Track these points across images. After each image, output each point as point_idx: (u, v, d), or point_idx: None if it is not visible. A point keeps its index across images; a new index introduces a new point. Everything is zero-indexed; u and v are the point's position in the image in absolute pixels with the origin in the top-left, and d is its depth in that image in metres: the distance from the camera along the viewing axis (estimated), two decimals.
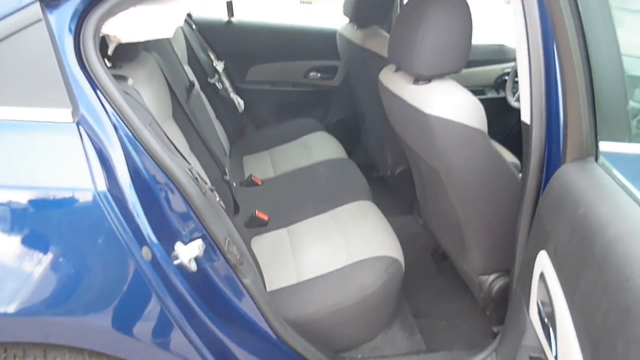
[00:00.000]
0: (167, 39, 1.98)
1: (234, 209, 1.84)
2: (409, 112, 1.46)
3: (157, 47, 1.77)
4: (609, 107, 1.03)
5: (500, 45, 2.84)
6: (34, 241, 0.95)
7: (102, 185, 0.95)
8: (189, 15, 2.64)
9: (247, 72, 2.88)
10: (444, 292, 2.04)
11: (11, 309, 0.95)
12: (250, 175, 2.22)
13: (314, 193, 2.02)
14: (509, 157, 2.08)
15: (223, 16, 2.81)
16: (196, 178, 1.14)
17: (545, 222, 1.01)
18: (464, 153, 1.38)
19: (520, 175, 1.45)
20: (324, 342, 1.45)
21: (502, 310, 1.59)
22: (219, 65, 2.57)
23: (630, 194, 0.83)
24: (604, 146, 1.01)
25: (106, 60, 1.27)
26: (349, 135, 2.80)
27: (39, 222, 0.95)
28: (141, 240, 1.00)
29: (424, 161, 1.61)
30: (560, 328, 0.87)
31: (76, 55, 0.98)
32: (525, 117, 1.25)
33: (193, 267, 1.06)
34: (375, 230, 1.73)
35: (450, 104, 1.35)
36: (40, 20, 0.94)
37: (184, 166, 1.13)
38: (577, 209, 0.87)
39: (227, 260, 1.17)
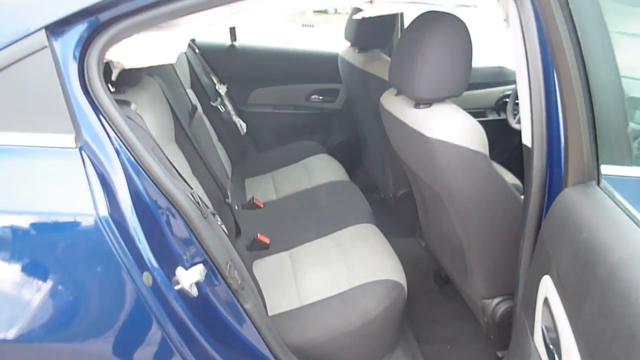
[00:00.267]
0: (171, 64, 2.01)
1: (235, 232, 1.84)
2: (410, 135, 1.47)
3: (160, 72, 1.80)
4: (610, 130, 1.03)
5: (500, 67, 2.86)
6: (35, 266, 0.95)
7: (103, 210, 0.95)
8: (192, 39, 2.67)
9: (249, 95, 2.91)
10: (446, 315, 2.02)
11: (11, 334, 0.94)
12: (252, 198, 2.22)
13: (316, 216, 2.02)
14: (510, 178, 2.08)
15: (226, 40, 2.85)
16: (198, 202, 1.14)
17: (548, 247, 1.01)
18: (466, 176, 1.38)
19: (522, 197, 1.46)
20: None
21: (506, 334, 1.57)
22: (222, 89, 2.59)
23: (633, 218, 0.82)
24: (606, 169, 1.01)
25: (109, 86, 1.29)
26: (351, 157, 2.81)
27: (39, 247, 0.95)
28: (142, 265, 0.99)
29: (425, 184, 1.61)
30: (566, 355, 0.86)
31: (80, 81, 0.99)
32: (526, 140, 1.25)
33: (194, 292, 1.06)
34: (377, 254, 1.72)
35: (452, 127, 1.35)
36: (45, 47, 0.96)
37: (186, 190, 1.13)
38: (580, 233, 0.86)
39: (228, 285, 1.16)
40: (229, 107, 2.65)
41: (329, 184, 2.29)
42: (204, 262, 1.13)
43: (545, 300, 0.98)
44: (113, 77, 1.12)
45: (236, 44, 2.84)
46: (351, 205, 2.07)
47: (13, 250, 0.94)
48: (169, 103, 1.69)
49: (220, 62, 2.71)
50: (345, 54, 2.37)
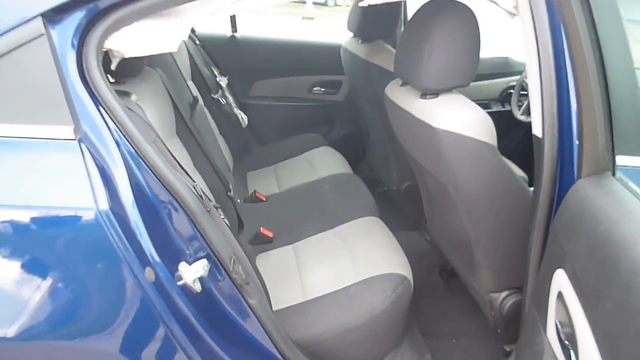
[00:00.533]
0: (171, 55, 1.97)
1: (238, 226, 1.81)
2: (416, 127, 1.43)
3: (160, 63, 1.76)
4: (626, 119, 1.00)
5: (504, 58, 2.82)
6: (34, 262, 0.92)
7: (104, 204, 0.92)
8: (192, 30, 2.63)
9: (251, 88, 2.87)
10: (453, 310, 2.00)
11: (11, 332, 0.92)
12: (255, 191, 2.19)
13: (320, 209, 1.99)
14: (516, 170, 2.05)
15: (227, 31, 2.81)
16: (200, 196, 1.11)
17: (561, 240, 0.98)
18: (474, 168, 1.35)
19: (531, 189, 1.43)
20: None
21: (514, 328, 1.55)
22: (223, 81, 2.55)
23: None
24: (621, 160, 0.98)
25: (109, 76, 1.26)
26: (354, 150, 2.78)
27: (39, 242, 0.92)
28: (144, 260, 0.96)
29: (432, 176, 1.58)
30: (583, 351, 0.83)
31: (78, 70, 0.96)
32: (536, 130, 1.22)
33: (197, 287, 1.03)
34: (382, 248, 1.69)
35: (459, 117, 1.32)
36: (42, 35, 0.92)
37: (188, 183, 1.10)
38: (597, 227, 0.84)
39: (232, 280, 1.14)
40: (230, 99, 2.61)
41: (333, 177, 2.25)
42: (207, 257, 1.10)
43: (559, 295, 0.95)
44: (112, 67, 1.09)
45: (237, 35, 2.80)
46: (355, 198, 2.04)
47: (10, 247, 0.92)
48: (170, 95, 1.66)
49: (221, 53, 2.67)
50: (348, 45, 2.33)
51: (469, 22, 1.34)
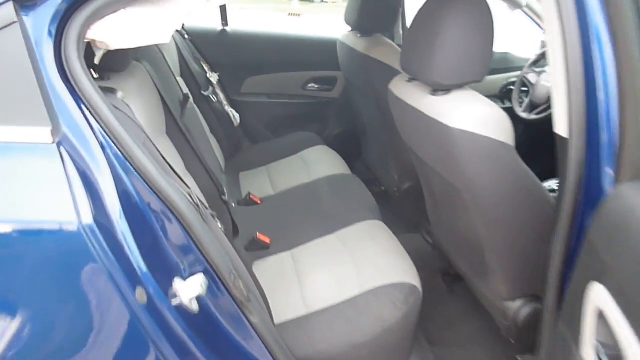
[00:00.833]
0: (159, 49, 1.85)
1: (233, 231, 1.70)
2: (427, 125, 1.34)
3: (148, 57, 1.63)
4: None
5: (504, 53, 2.74)
6: (8, 285, 0.80)
7: (87, 216, 0.80)
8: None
9: (243, 84, 2.75)
10: (458, 316, 1.91)
11: None
12: (249, 194, 2.08)
13: (318, 212, 1.89)
14: None
15: (217, 25, 2.68)
16: (197, 204, 1.00)
17: (600, 251, 0.88)
18: (490, 170, 1.26)
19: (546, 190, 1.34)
20: None
21: (527, 338, 1.46)
22: (213, 77, 2.43)
23: None
24: None
25: (92, 71, 1.14)
26: (350, 148, 2.68)
27: (12, 262, 0.80)
28: (134, 279, 0.85)
29: (440, 178, 1.49)
30: None
31: (57, 64, 0.84)
32: (561, 129, 1.12)
33: (195, 307, 0.92)
34: (387, 253, 1.60)
35: (474, 115, 1.22)
36: (14, 22, 0.80)
37: (183, 190, 0.98)
38: None
39: (232, 297, 1.03)
40: (221, 96, 2.50)
41: (330, 178, 2.15)
42: (205, 272, 0.99)
43: (600, 313, 0.86)
44: (96, 61, 0.97)
45: (228, 29, 2.68)
46: (356, 200, 1.94)
47: None
48: (159, 91, 1.54)
49: (211, 48, 2.54)
50: (345, 39, 2.22)
51: (483, 12, 1.25)
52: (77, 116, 0.85)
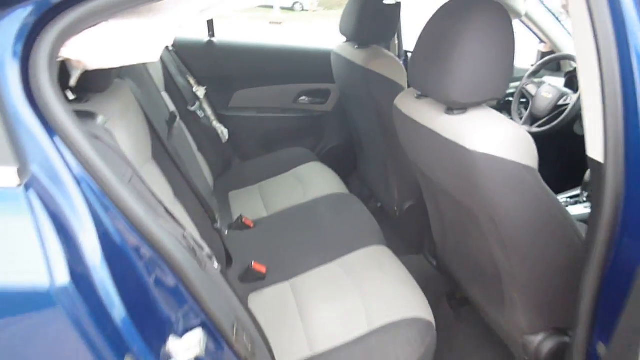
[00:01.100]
0: (143, 63, 1.70)
1: (226, 261, 1.56)
2: (442, 147, 1.22)
3: (131, 73, 1.49)
4: None
5: None
6: None
7: (62, 275, 0.66)
8: None
9: (231, 98, 2.61)
10: (466, 343, 1.79)
11: None
12: (241, 217, 1.94)
13: (317, 237, 1.76)
14: None
15: (203, 36, 2.54)
16: (193, 248, 0.86)
17: None
18: (515, 196, 1.15)
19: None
20: None
21: None
22: (200, 91, 2.29)
23: None
24: None
25: (69, 92, 0.99)
26: (344, 163, 2.56)
27: None
28: (121, 346, 0.71)
29: (453, 201, 1.37)
30: None
31: (24, 89, 0.70)
32: (595, 152, 1.02)
33: None
34: (396, 284, 1.47)
35: (498, 137, 1.11)
36: None
37: (177, 233, 0.84)
38: None
39: (235, 353, 0.89)
40: (209, 111, 2.35)
41: (327, 198, 2.02)
42: (202, 326, 0.85)
43: None
44: (72, 83, 0.83)
45: (215, 40, 2.54)
46: (357, 223, 1.82)
47: None
48: (144, 112, 1.39)
49: (197, 61, 2.40)
50: (341, 51, 2.10)
51: (504, 21, 1.14)
52: (49, 152, 0.70)
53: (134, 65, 1.59)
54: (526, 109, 2.27)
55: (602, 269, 1.05)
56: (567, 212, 1.20)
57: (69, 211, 0.70)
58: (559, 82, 2.28)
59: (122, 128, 1.11)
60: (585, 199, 1.92)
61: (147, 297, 0.79)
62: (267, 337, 1.24)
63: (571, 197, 2.02)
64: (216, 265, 1.01)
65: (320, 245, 1.71)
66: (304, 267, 1.61)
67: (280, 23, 13.21)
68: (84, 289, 0.69)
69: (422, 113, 1.30)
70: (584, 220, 1.28)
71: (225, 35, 2.57)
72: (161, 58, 2.11)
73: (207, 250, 0.98)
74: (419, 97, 1.35)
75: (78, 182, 0.72)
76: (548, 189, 1.16)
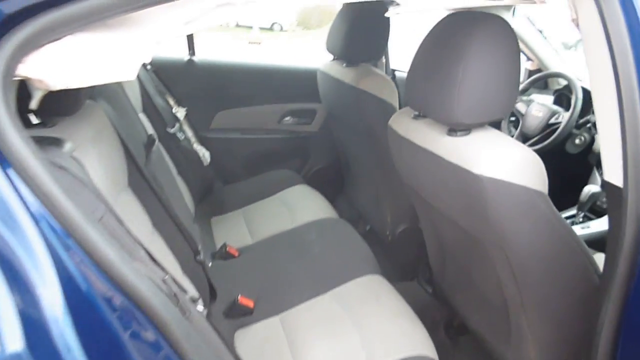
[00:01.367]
0: (119, 83, 1.59)
1: (210, 295, 1.43)
2: (445, 171, 1.13)
3: (105, 93, 1.37)
4: None
5: None
6: None
7: (15, 340, 0.54)
8: None
9: (213, 119, 2.50)
10: None
11: None
12: (225, 245, 1.81)
13: (308, 266, 1.64)
14: None
15: (183, 55, 2.43)
16: (174, 294, 0.74)
17: None
18: (526, 223, 1.07)
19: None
20: None
21: None
22: (180, 112, 2.17)
23: None
24: None
25: (33, 116, 0.88)
26: (331, 185, 2.46)
27: None
28: None
29: (456, 227, 1.29)
30: None
31: None
32: (613, 177, 0.95)
33: None
34: (395, 317, 1.37)
35: (506, 161, 1.04)
36: None
37: (156, 277, 0.73)
38: None
39: None
40: (189, 133, 2.24)
41: (317, 224, 1.91)
42: None
43: None
44: (32, 105, 0.71)
45: (195, 58, 2.43)
46: (349, 250, 1.71)
47: None
48: (120, 136, 1.27)
49: (177, 80, 2.28)
50: (328, 69, 2.02)
51: (509, 36, 1.08)
52: (1, 187, 0.59)
53: (107, 85, 1.48)
54: (516, 128, 2.21)
55: (622, 302, 0.97)
56: (580, 240, 1.12)
57: (25, 257, 0.59)
58: (547, 100, 2.24)
59: (94, 156, 0.99)
60: (581, 220, 1.85)
61: (122, 357, 0.67)
62: None
63: (567, 218, 1.96)
64: (201, 308, 0.89)
65: (311, 275, 1.59)
66: (294, 300, 1.50)
67: (259, 43, 13.21)
68: (43, 355, 0.57)
69: (421, 134, 1.22)
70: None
71: (206, 53, 2.47)
72: (138, 77, 1.99)
73: (191, 292, 0.86)
74: (416, 117, 1.27)
75: (36, 221, 0.61)
76: (560, 215, 1.08)
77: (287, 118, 2.58)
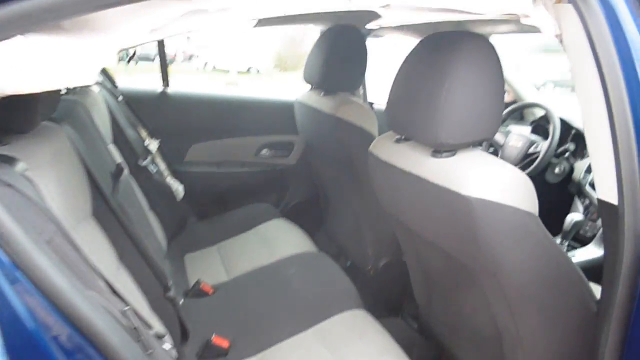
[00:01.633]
0: (85, 109, 1.51)
1: (181, 336, 1.32)
2: (430, 194, 1.08)
3: (70, 118, 1.30)
4: None
5: None
6: None
7: None
8: (113, 83, 2.18)
9: (187, 152, 2.43)
10: None
11: None
12: (198, 282, 1.71)
13: (288, 302, 1.55)
14: None
15: (157, 87, 2.38)
16: (135, 328, 0.65)
17: None
18: (519, 247, 1.02)
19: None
20: None
21: None
22: (152, 144, 2.10)
23: None
24: None
25: None
26: (310, 220, 2.38)
27: None
28: None
29: (443, 255, 1.23)
30: None
31: None
32: (607, 195, 0.91)
33: None
34: (381, 356, 1.30)
35: (495, 180, 0.99)
36: None
37: (114, 308, 0.64)
38: None
39: None
40: (162, 166, 2.16)
41: (296, 258, 1.83)
42: None
43: None
44: None
45: (169, 90, 2.38)
46: (331, 285, 1.63)
47: None
48: (85, 163, 1.19)
49: (150, 112, 2.22)
50: (306, 99, 1.98)
51: (491, 54, 1.05)
52: None
53: (74, 110, 1.40)
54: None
55: (623, 330, 0.91)
56: (572, 263, 1.07)
57: None
58: (525, 130, 2.24)
59: (51, 178, 0.91)
60: (566, 249, 1.82)
61: None
62: None
63: None
64: (168, 346, 0.79)
65: (291, 311, 1.50)
66: (273, 338, 1.40)
67: (236, 84, 13.36)
68: None
69: (404, 158, 1.17)
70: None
71: (180, 86, 2.42)
72: (108, 108, 1.92)
73: (156, 328, 0.77)
74: (398, 141, 1.23)
75: None
76: (552, 238, 1.04)
77: (264, 151, 2.53)
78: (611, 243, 0.91)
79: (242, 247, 2.00)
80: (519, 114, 2.46)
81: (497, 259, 1.02)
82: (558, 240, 1.83)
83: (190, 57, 14.26)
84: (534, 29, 0.97)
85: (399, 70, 1.18)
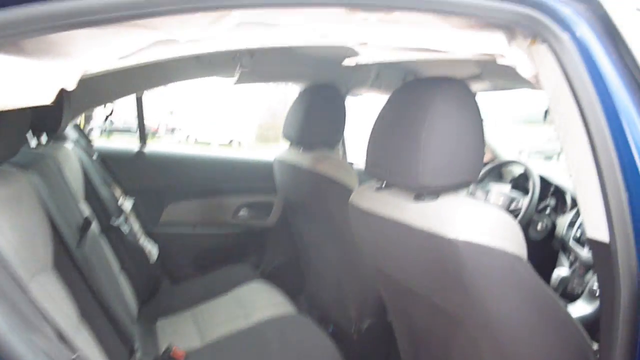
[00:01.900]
0: (56, 164, 1.46)
1: None
2: (415, 240, 1.03)
3: (38, 168, 1.24)
4: None
5: None
6: None
7: None
8: (88, 142, 2.14)
9: (163, 212, 2.36)
10: None
11: None
12: (169, 348, 1.58)
13: None
14: None
15: (133, 146, 2.35)
16: None
17: None
18: (508, 291, 0.97)
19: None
20: None
21: None
22: (126, 203, 2.03)
23: None
24: None
25: None
26: (291, 283, 2.29)
27: None
28: None
29: (430, 306, 1.16)
30: None
31: None
32: (597, 233, 0.88)
33: None
34: None
35: (482, 222, 0.96)
36: None
37: (60, 356, 0.55)
38: None
39: None
40: (135, 226, 2.07)
41: (274, 321, 1.72)
42: None
43: None
44: None
45: (146, 150, 2.35)
46: (311, 349, 1.53)
47: None
48: (49, 213, 1.12)
49: (126, 171, 2.18)
50: (285, 157, 1.97)
51: (470, 99, 1.05)
52: None
53: (43, 161, 1.35)
54: None
55: None
56: (563, 307, 1.02)
57: None
58: (505, 188, 2.24)
59: (5, 222, 0.84)
60: None
61: None
62: None
63: None
64: None
65: None
66: None
67: None
68: None
69: (386, 205, 1.13)
70: None
71: (157, 145, 2.39)
72: (82, 166, 1.87)
73: None
74: (379, 189, 1.19)
75: None
76: (542, 281, 0.99)
77: (243, 211, 2.48)
78: (605, 283, 0.87)
79: (218, 311, 1.89)
80: (497, 172, 2.47)
81: (487, 307, 0.96)
82: None
83: (173, 130, 14.46)
84: (516, 84, 0.97)
85: (378, 117, 1.17)
